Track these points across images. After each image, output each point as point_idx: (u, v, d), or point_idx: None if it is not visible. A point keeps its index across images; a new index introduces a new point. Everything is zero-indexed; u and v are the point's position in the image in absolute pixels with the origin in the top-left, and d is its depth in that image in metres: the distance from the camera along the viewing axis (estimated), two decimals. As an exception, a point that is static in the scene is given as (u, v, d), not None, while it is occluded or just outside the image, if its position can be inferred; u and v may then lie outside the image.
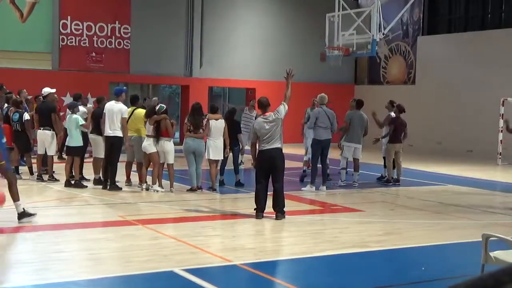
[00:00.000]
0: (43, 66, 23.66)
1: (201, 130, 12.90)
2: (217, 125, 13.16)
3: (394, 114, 15.27)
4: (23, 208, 9.44)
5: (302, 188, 13.74)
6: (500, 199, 14.30)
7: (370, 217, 10.83)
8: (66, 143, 13.44)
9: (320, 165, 13.83)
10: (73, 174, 13.44)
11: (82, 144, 13.32)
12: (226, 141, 13.34)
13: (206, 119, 13.02)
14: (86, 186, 13.15)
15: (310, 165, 16.64)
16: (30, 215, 9.48)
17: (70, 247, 8.06)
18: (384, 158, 15.63)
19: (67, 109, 14.62)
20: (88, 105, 16.24)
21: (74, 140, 13.18)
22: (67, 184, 13.16)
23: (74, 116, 13.21)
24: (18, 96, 15.56)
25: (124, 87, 15.70)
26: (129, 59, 25.37)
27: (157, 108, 12.96)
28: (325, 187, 13.73)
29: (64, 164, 13.93)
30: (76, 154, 13.21)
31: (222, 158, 13.52)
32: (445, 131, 25.22)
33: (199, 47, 26.73)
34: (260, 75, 27.61)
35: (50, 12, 23.87)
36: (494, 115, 21.45)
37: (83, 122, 13.25)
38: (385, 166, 15.57)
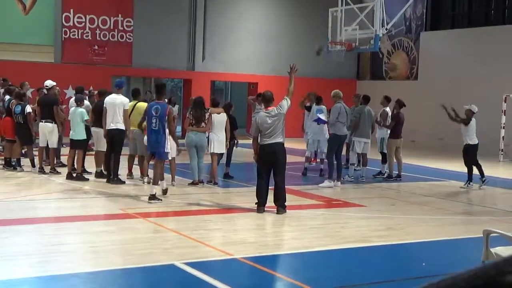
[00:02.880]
0: (45, 58, 23.66)
1: (203, 124, 12.89)
2: (219, 119, 13.16)
3: (389, 109, 15.36)
4: (155, 192, 10.92)
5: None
6: (501, 195, 14.30)
7: (372, 212, 10.83)
8: (70, 136, 13.34)
9: (335, 161, 13.76)
10: (75, 167, 13.46)
11: (85, 138, 13.28)
12: (227, 135, 13.35)
13: (208, 113, 13.01)
14: (88, 179, 13.15)
15: (314, 160, 16.70)
16: (159, 199, 10.94)
17: (71, 239, 8.07)
18: (381, 153, 15.65)
19: (70, 102, 14.64)
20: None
21: (78, 133, 13.13)
22: (69, 176, 13.17)
23: (80, 109, 13.13)
24: (20, 89, 15.53)
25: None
26: (131, 53, 25.36)
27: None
28: (339, 182, 13.69)
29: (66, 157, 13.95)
30: (79, 148, 13.18)
31: (224, 152, 13.55)
32: (447, 127, 25.13)
33: (202, 41, 26.71)
34: (262, 70, 27.60)
35: (53, 4, 23.86)
36: (497, 112, 21.42)
37: (87, 117, 13.20)
38: (383, 162, 15.58)
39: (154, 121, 10.98)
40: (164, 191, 11.48)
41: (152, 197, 10.85)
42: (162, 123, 10.96)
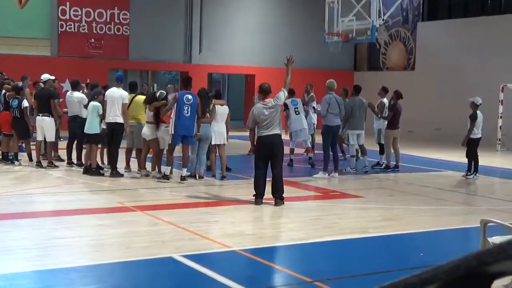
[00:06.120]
0: (42, 52, 23.61)
1: (207, 115, 12.84)
2: (222, 110, 13.14)
3: (386, 100, 15.35)
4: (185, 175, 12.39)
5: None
6: (499, 185, 14.32)
7: (369, 203, 10.84)
8: (85, 131, 13.04)
9: (332, 152, 13.78)
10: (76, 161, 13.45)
11: (99, 132, 13.13)
12: (228, 127, 13.33)
13: (212, 105, 12.98)
14: (103, 174, 13.04)
15: (312, 150, 16.74)
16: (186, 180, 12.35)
17: (69, 233, 8.06)
18: (379, 144, 15.65)
19: (66, 94, 14.62)
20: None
21: (93, 127, 12.98)
22: (86, 171, 13.03)
23: (95, 103, 12.99)
24: (20, 82, 15.48)
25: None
26: (128, 45, 25.31)
27: (157, 94, 12.96)
28: (337, 173, 13.70)
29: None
30: (94, 142, 13.01)
31: (226, 143, 13.51)
32: (444, 117, 25.20)
33: (198, 33, 26.65)
34: (259, 62, 27.55)
35: (49, -2, 23.79)
36: (494, 101, 21.39)
37: (101, 112, 13.03)
38: (380, 153, 15.58)
39: (186, 108, 12.11)
40: (166, 177, 12.35)
41: (183, 178, 12.29)
42: (193, 110, 12.15)
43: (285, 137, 11.82)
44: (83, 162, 13.44)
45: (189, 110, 12.12)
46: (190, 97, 12.19)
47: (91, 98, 13.39)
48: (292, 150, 15.59)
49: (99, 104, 12.94)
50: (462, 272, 1.04)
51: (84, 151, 13.51)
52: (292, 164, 15.35)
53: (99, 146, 13.46)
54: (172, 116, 12.35)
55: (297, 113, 15.35)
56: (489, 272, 1.02)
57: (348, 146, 14.96)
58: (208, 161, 13.38)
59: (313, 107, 15.93)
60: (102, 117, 12.99)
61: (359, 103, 14.69)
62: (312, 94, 16.73)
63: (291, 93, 15.60)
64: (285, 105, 15.41)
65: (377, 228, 8.87)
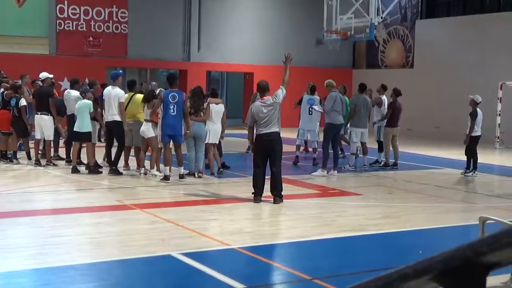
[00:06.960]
0: (40, 50, 23.58)
1: (201, 114, 12.82)
2: (217, 109, 13.12)
3: (385, 97, 15.36)
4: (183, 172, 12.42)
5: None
6: (497, 183, 14.32)
7: (368, 200, 10.84)
8: (75, 129, 12.97)
9: (331, 150, 13.79)
10: (80, 160, 13.42)
11: (91, 130, 13.12)
12: (223, 126, 13.32)
13: (206, 103, 12.96)
14: (101, 172, 13.03)
15: (308, 149, 16.77)
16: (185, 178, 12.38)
17: (68, 231, 8.06)
18: (378, 142, 15.65)
19: (65, 93, 14.61)
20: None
21: (85, 126, 12.95)
22: (74, 170, 13.01)
23: (86, 101, 12.96)
24: (19, 81, 15.46)
25: (120, 71, 15.56)
26: (126, 44, 25.29)
27: (157, 92, 12.94)
28: (336, 171, 13.69)
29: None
30: (86, 140, 12.99)
31: (219, 142, 13.51)
32: (443, 115, 25.21)
33: (197, 31, 26.64)
34: (258, 60, 27.54)
35: (47, -4, 23.76)
36: (493, 99, 21.42)
37: (92, 110, 13.04)
38: (379, 150, 15.58)
39: (172, 107, 11.95)
40: (167, 177, 12.14)
41: (182, 176, 12.28)
42: (179, 109, 11.96)
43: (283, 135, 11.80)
44: (74, 161, 13.33)
45: (175, 108, 11.99)
46: (175, 95, 12.05)
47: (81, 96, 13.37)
48: (298, 147, 15.63)
49: (89, 102, 12.92)
50: (457, 262, 1.04)
51: (76, 150, 13.44)
52: (298, 161, 15.33)
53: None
54: (159, 115, 12.37)
55: (310, 113, 15.42)
56: (484, 262, 1.02)
57: (349, 144, 15.00)
58: (206, 159, 13.37)
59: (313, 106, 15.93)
60: (93, 115, 12.98)
61: (363, 101, 14.71)
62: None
63: (312, 90, 15.76)
64: (300, 100, 15.63)
65: (376, 225, 8.88)
